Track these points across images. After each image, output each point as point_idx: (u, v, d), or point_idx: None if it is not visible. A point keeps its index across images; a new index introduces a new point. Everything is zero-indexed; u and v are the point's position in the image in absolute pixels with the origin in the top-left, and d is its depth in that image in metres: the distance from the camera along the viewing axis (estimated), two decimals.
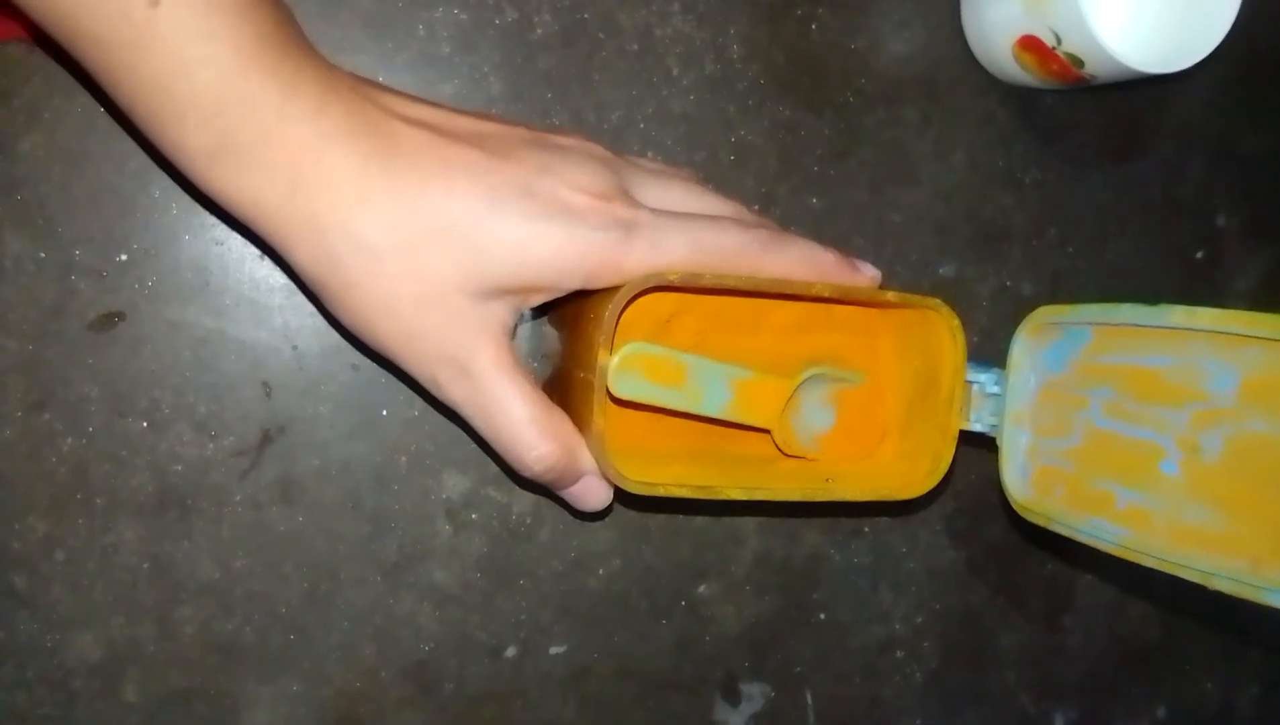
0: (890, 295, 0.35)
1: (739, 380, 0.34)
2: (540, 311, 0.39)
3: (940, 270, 0.48)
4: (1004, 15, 0.43)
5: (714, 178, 0.43)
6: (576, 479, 0.34)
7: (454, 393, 0.32)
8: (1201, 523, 0.32)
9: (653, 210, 0.32)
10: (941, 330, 0.36)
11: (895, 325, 0.38)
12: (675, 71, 0.43)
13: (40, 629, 0.38)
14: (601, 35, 0.41)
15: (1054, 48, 0.42)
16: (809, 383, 0.37)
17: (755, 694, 0.47)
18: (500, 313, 0.31)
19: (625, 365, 0.32)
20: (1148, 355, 0.34)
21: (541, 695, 0.44)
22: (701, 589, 0.46)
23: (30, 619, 0.38)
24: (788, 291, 0.33)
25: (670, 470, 0.35)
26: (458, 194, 0.30)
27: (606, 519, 0.44)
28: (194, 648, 0.40)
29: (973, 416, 0.37)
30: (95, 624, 0.38)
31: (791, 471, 0.38)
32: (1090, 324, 0.35)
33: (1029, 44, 0.43)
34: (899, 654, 0.49)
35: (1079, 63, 0.42)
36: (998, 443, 0.37)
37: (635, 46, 0.42)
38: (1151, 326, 0.33)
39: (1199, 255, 0.53)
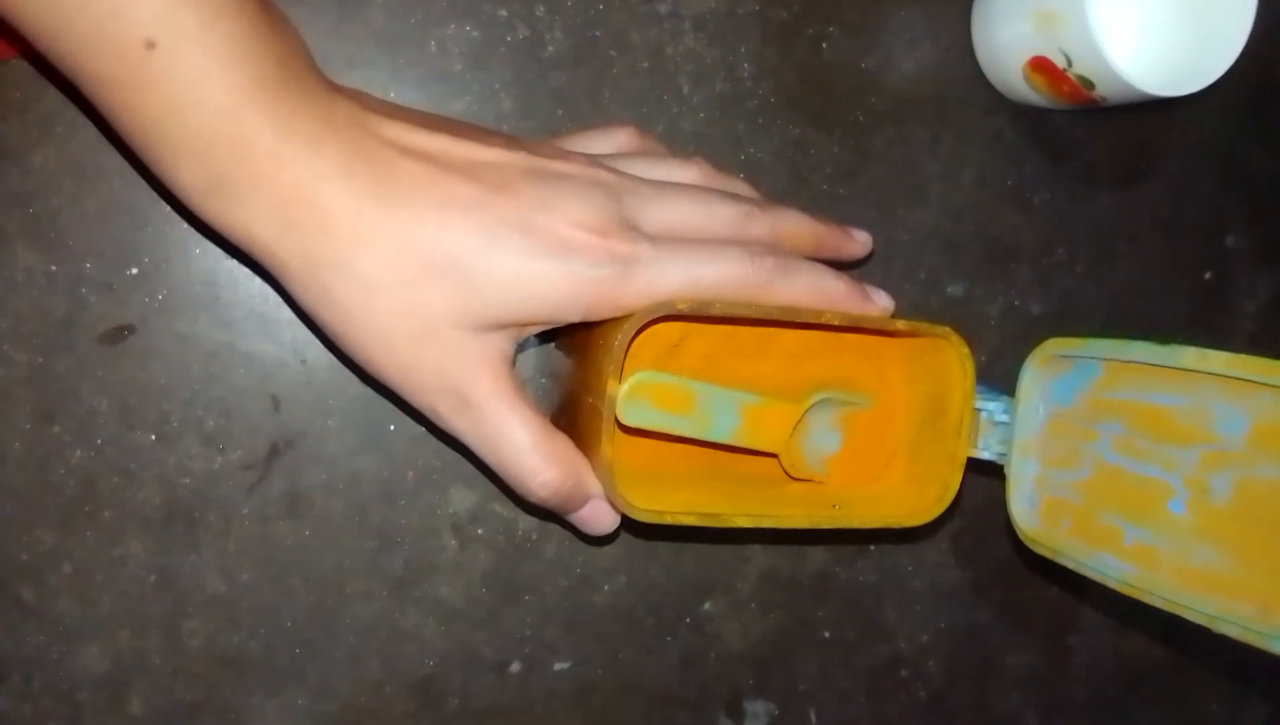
0: (900, 324, 0.35)
1: (747, 406, 0.34)
2: (548, 336, 0.39)
3: (949, 289, 0.48)
4: (1015, 36, 0.43)
5: None
6: (583, 503, 0.34)
7: (455, 423, 0.32)
8: (1209, 565, 0.32)
9: (654, 242, 0.32)
10: (951, 358, 0.36)
11: (904, 350, 0.38)
12: (686, 90, 0.43)
13: (47, 640, 0.38)
14: (613, 53, 0.42)
15: (1065, 69, 0.42)
16: (817, 406, 0.37)
17: (760, 712, 0.47)
18: (499, 343, 0.31)
19: (634, 394, 0.31)
20: (1158, 393, 0.34)
21: (546, 711, 0.44)
22: (707, 606, 0.46)
23: (37, 630, 0.38)
24: (797, 320, 0.33)
25: (678, 495, 0.35)
26: (453, 230, 0.30)
27: (613, 535, 0.44)
28: (200, 661, 0.40)
29: (980, 444, 0.37)
30: (102, 636, 0.39)
31: (799, 495, 0.38)
32: (1100, 359, 0.35)
33: (1040, 65, 0.43)
34: (904, 672, 0.49)
35: (1090, 85, 0.42)
36: (1005, 472, 0.37)
37: (646, 64, 0.42)
38: (1162, 366, 0.33)
39: (1208, 276, 0.53)
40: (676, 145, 0.43)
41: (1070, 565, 0.35)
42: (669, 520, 0.32)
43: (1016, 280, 0.49)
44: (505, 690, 0.43)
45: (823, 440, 0.38)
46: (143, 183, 0.38)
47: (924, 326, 0.35)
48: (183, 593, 0.39)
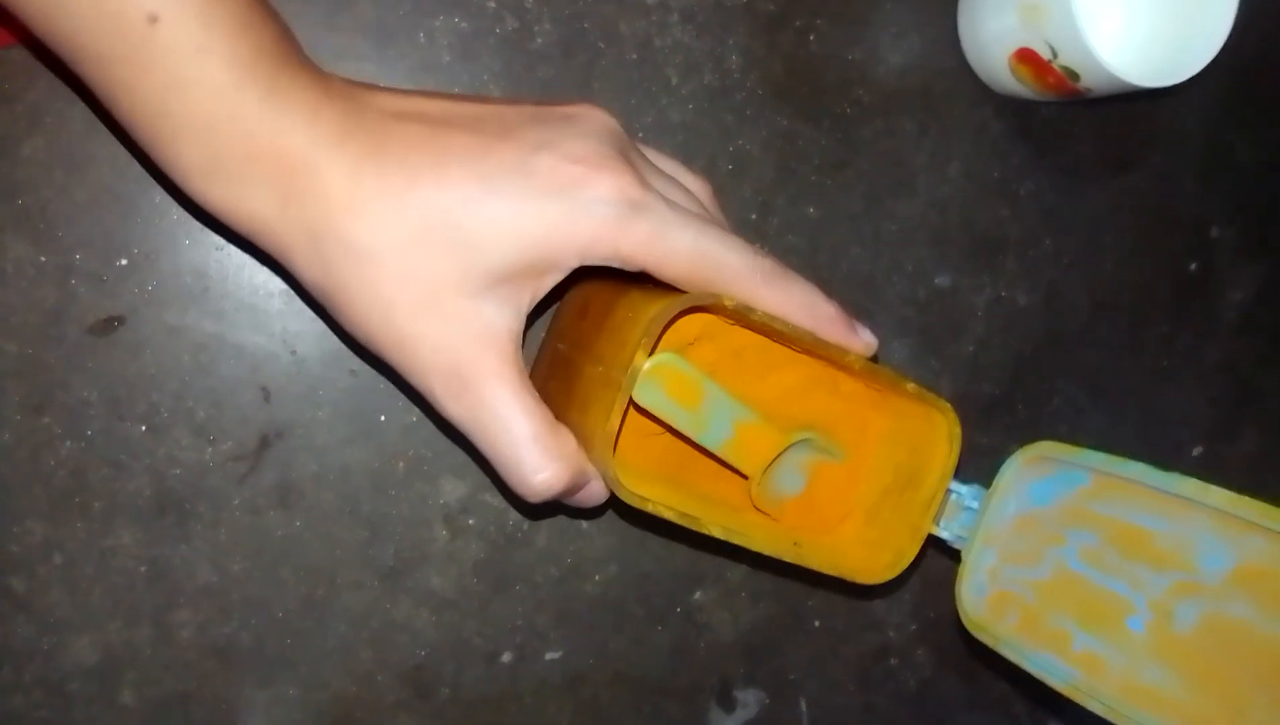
0: (909, 386, 0.35)
1: (742, 422, 0.34)
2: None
3: (936, 280, 0.48)
4: (1001, 28, 0.44)
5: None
6: (581, 489, 0.33)
7: (452, 407, 0.31)
8: (1158, 685, 0.32)
9: (666, 199, 0.31)
10: (940, 433, 0.36)
11: (893, 413, 0.38)
12: (674, 81, 0.43)
13: (37, 632, 0.38)
14: (601, 45, 0.42)
15: (1050, 61, 0.42)
16: (791, 447, 0.37)
17: (750, 701, 0.47)
18: (504, 316, 0.30)
19: (654, 373, 0.31)
20: (1144, 514, 0.33)
21: (537, 701, 0.44)
22: (697, 595, 0.46)
23: (27, 622, 0.38)
24: (824, 354, 0.33)
25: (652, 490, 0.35)
26: (449, 183, 0.29)
27: (604, 525, 0.44)
28: (191, 651, 0.40)
29: (943, 524, 0.37)
30: (92, 627, 0.39)
31: (758, 525, 0.38)
32: (1090, 469, 0.35)
33: (1025, 57, 0.43)
34: (893, 662, 0.49)
35: (1075, 76, 0.42)
36: (962, 556, 0.37)
37: (634, 56, 0.42)
38: (1156, 489, 0.33)
39: (1192, 267, 0.53)
40: (665, 136, 0.43)
41: (1010, 657, 0.35)
42: (650, 508, 0.32)
43: (1003, 271, 0.49)
44: (496, 680, 0.43)
45: (787, 481, 0.38)
46: (133, 174, 0.38)
47: (930, 395, 0.35)
48: (173, 584, 0.39)
